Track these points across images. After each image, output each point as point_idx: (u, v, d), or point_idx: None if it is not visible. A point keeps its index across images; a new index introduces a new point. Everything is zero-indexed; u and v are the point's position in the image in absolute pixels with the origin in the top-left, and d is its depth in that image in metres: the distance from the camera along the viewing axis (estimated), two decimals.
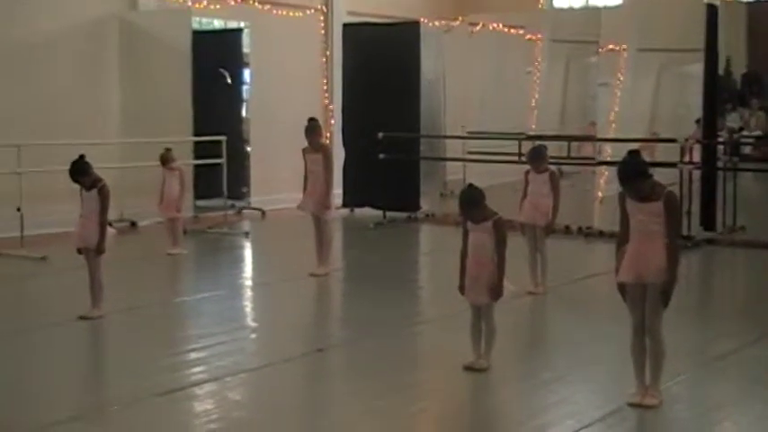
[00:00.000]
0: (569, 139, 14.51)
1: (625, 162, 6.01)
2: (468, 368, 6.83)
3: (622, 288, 6.12)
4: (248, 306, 9.85)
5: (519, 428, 5.95)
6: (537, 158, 9.62)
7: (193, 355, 7.46)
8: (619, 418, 5.95)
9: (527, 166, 9.78)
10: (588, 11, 17.24)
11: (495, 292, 6.75)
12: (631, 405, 6.05)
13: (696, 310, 9.23)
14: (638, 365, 6.14)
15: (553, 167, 10.21)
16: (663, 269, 5.92)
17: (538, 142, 11.27)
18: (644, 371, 6.13)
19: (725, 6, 13.74)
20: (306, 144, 10.50)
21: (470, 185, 6.95)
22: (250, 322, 9.10)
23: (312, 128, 10.48)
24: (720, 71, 13.68)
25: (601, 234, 13.19)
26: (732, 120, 14.06)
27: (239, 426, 6.00)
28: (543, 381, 6.80)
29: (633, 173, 5.94)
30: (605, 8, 16.44)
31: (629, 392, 6.13)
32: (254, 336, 8.50)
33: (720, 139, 13.64)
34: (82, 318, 8.37)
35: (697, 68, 13.61)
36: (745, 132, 14.22)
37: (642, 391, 6.11)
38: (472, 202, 6.73)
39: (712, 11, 13.41)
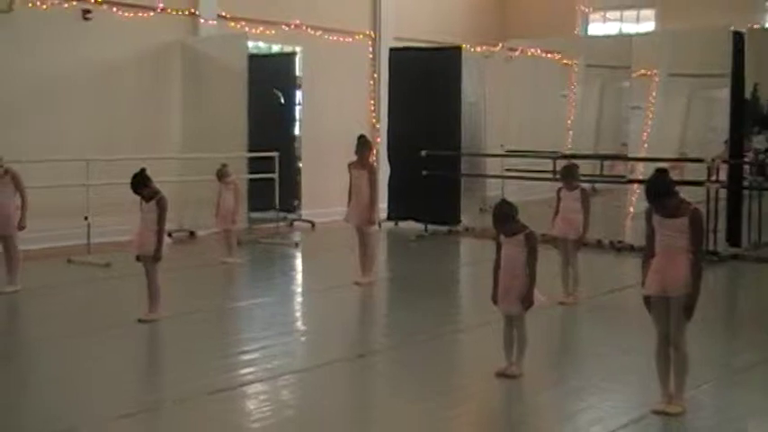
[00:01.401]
0: (602, 157, 14.40)
1: (653, 180, 5.94)
2: (501, 375, 6.77)
3: (647, 301, 6.05)
4: (297, 312, 9.85)
5: None
6: (568, 176, 9.55)
7: (244, 357, 7.47)
8: (643, 424, 5.86)
9: (560, 184, 9.72)
10: (621, 38, 17.07)
11: (526, 302, 6.70)
12: (656, 412, 5.96)
13: (721, 323, 9.09)
14: (662, 374, 6.06)
15: (584, 184, 10.11)
16: (686, 283, 5.85)
17: (569, 161, 11.16)
18: (668, 380, 6.05)
19: (751, 33, 13.60)
20: (353, 159, 10.51)
21: (503, 201, 6.93)
22: (298, 327, 9.10)
23: (363, 144, 10.50)
24: (748, 95, 13.50)
25: (632, 248, 13.05)
26: (758, 141, 13.81)
27: (286, 424, 6.00)
28: (572, 388, 6.72)
29: (660, 190, 5.86)
30: (637, 35, 16.28)
31: (655, 400, 6.04)
32: (302, 339, 8.49)
33: (746, 160, 13.46)
34: (140, 321, 8.44)
35: (725, 93, 13.46)
36: None
37: (667, 399, 6.03)
38: (505, 216, 6.69)
39: (738, 38, 13.27)
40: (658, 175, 5.94)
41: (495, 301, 6.83)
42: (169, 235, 8.82)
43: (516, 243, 6.65)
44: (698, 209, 6.02)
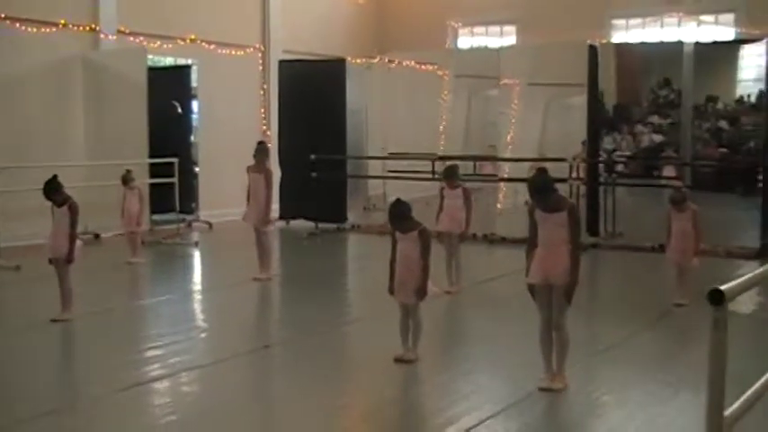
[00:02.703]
0: (475, 158, 14.44)
1: (535, 178, 5.89)
2: (398, 360, 6.63)
3: (532, 288, 5.99)
4: (199, 308, 9.48)
5: (442, 414, 5.68)
6: (451, 176, 9.45)
7: (152, 353, 7.12)
8: (531, 401, 5.81)
9: (441, 183, 9.61)
10: (487, 51, 17.17)
11: (421, 293, 6.56)
12: (542, 389, 5.92)
13: (587, 307, 9.07)
14: (546, 354, 6.03)
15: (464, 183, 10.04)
16: (566, 271, 5.83)
17: (450, 162, 11.09)
18: (551, 359, 6.01)
19: (602, 47, 13.86)
20: (251, 163, 10.25)
21: (398, 200, 6.76)
22: (201, 323, 8.75)
23: (262, 150, 10.35)
24: None
25: (503, 240, 13.13)
26: (607, 142, 14.11)
27: (193, 416, 5.71)
28: (463, 371, 6.62)
29: (542, 187, 5.82)
30: (501, 48, 16.39)
31: (539, 378, 5.98)
32: (204, 335, 8.14)
33: (601, 159, 13.70)
34: (53, 320, 8.00)
35: (579, 100, 13.72)
36: (617, 153, 14.27)
37: (550, 376, 5.99)
38: (401, 214, 6.56)
39: (593, 51, 13.49)
40: (540, 173, 5.91)
41: (391, 292, 6.68)
42: (78, 238, 8.38)
43: (411, 239, 6.51)
44: (575, 204, 6.01)
